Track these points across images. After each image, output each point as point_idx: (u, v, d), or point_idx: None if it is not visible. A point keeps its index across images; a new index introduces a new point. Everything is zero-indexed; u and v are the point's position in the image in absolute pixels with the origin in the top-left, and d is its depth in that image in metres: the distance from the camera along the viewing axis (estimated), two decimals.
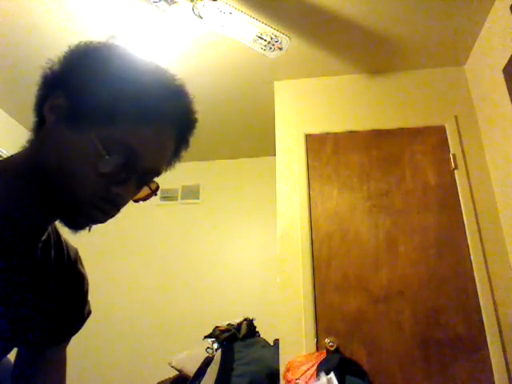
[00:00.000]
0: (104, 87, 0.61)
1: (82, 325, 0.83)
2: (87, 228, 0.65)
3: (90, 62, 0.64)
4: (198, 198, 3.74)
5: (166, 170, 0.70)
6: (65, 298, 0.78)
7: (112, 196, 0.63)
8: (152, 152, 0.64)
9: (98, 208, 0.63)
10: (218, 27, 1.99)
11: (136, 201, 0.69)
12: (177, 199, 3.72)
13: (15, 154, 0.67)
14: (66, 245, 0.79)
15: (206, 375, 2.19)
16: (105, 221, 0.65)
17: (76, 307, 0.82)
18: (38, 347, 0.79)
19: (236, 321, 2.58)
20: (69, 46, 0.68)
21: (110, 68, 0.63)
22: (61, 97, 0.63)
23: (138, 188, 0.67)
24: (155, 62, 0.69)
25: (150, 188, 0.69)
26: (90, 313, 0.85)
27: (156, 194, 0.69)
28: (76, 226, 0.65)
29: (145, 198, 0.69)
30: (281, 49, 2.07)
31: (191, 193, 3.74)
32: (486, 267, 2.20)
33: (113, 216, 0.66)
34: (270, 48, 2.06)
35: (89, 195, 0.61)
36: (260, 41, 2.02)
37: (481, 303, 2.14)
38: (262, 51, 2.09)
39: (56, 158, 0.62)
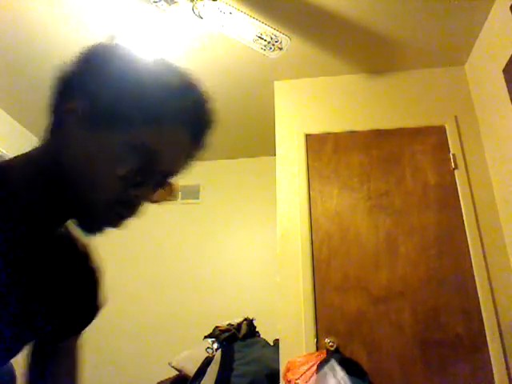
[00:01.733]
0: (119, 90, 0.61)
1: (94, 317, 0.84)
2: (100, 232, 0.65)
3: (106, 64, 0.64)
4: (197, 198, 3.74)
5: (183, 171, 0.70)
6: (76, 291, 0.78)
7: (129, 198, 0.63)
8: (167, 153, 0.64)
9: (114, 211, 0.63)
10: (217, 27, 1.99)
11: (154, 202, 0.68)
12: (177, 199, 3.72)
13: (32, 151, 0.67)
14: (77, 239, 0.79)
15: (205, 375, 2.19)
16: (119, 225, 0.65)
17: (88, 300, 0.82)
18: (51, 340, 0.79)
19: (236, 321, 2.58)
20: (84, 47, 0.66)
21: (125, 70, 0.64)
22: (77, 99, 0.63)
23: (155, 190, 0.67)
24: (167, 60, 0.69)
25: (169, 190, 0.69)
26: (103, 305, 0.84)
27: (175, 197, 0.70)
28: (90, 229, 0.65)
29: (163, 200, 0.70)
30: (281, 49, 2.07)
31: (191, 193, 3.74)
32: (486, 267, 2.20)
33: (127, 219, 0.66)
34: (270, 48, 2.06)
35: (105, 197, 0.61)
36: (260, 41, 2.02)
37: (481, 303, 2.14)
38: (262, 51, 2.09)
39: (74, 160, 0.62)
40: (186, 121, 0.65)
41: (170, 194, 0.69)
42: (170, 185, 0.68)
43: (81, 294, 0.79)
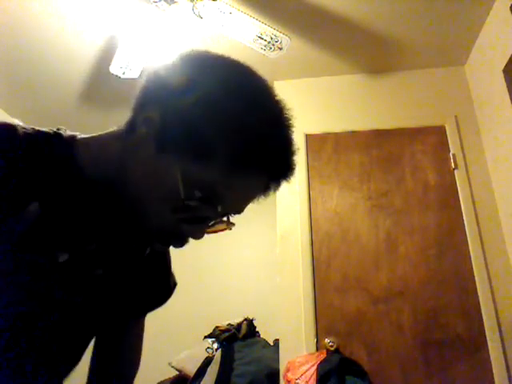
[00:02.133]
0: (204, 117, 0.53)
1: (170, 296, 0.84)
2: (144, 251, 0.63)
3: (198, 82, 0.55)
4: None
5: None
6: (154, 273, 0.78)
7: (180, 233, 0.58)
8: (238, 198, 0.57)
9: (161, 239, 0.59)
10: (217, 27, 1.99)
11: (207, 233, 0.61)
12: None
13: (111, 143, 0.61)
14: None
15: (205, 375, 2.19)
16: (163, 251, 0.63)
17: (164, 280, 0.82)
18: (127, 319, 0.82)
19: (236, 321, 2.58)
20: (183, 54, 0.59)
21: (217, 95, 0.54)
22: (156, 111, 0.55)
23: (210, 227, 0.60)
24: (269, 87, 0.61)
25: (226, 224, 0.61)
26: (175, 284, 0.84)
27: (231, 229, 0.62)
28: (132, 246, 0.63)
29: (217, 231, 0.62)
30: (281, 49, 2.07)
31: None
32: (486, 267, 2.20)
33: (174, 247, 0.61)
34: (270, 48, 2.06)
35: (155, 226, 0.57)
36: (260, 41, 2.02)
37: (481, 303, 2.14)
38: (262, 51, 2.09)
39: (137, 176, 0.56)
40: (271, 167, 0.56)
41: (226, 228, 0.62)
42: (228, 219, 0.61)
43: (158, 274, 0.79)
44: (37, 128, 0.58)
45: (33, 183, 0.53)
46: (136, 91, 0.60)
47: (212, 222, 0.60)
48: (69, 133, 0.62)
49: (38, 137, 0.57)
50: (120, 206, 0.59)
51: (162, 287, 0.82)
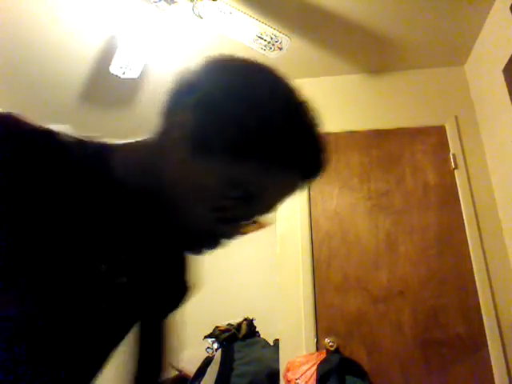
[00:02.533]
0: (238, 117, 0.54)
1: (185, 297, 0.85)
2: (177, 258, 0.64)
3: (231, 84, 0.57)
4: None
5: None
6: (170, 276, 0.78)
7: (216, 233, 0.60)
8: (272, 195, 0.60)
9: (197, 241, 0.61)
10: (217, 27, 1.99)
11: (241, 233, 0.63)
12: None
13: (136, 143, 0.63)
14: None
15: (205, 375, 2.19)
16: (198, 253, 0.63)
17: (179, 282, 0.82)
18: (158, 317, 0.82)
19: (236, 321, 2.58)
20: (213, 57, 0.61)
21: (250, 96, 0.56)
22: (187, 115, 0.56)
23: (245, 226, 0.62)
24: (296, 87, 0.65)
25: (260, 223, 0.64)
26: (192, 287, 0.85)
27: (264, 227, 0.64)
28: (165, 252, 0.64)
29: (251, 231, 0.66)
30: (281, 49, 2.07)
31: None
32: (486, 267, 2.20)
33: (209, 249, 0.62)
34: (270, 48, 2.06)
35: (192, 227, 0.59)
36: (260, 41, 2.02)
37: (481, 303, 2.14)
38: (262, 51, 2.09)
39: (174, 180, 0.57)
40: (303, 165, 0.58)
41: (260, 227, 0.64)
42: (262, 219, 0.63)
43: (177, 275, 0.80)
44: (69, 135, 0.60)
45: (76, 190, 0.55)
46: (164, 97, 0.60)
47: (247, 222, 0.61)
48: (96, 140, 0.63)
49: (72, 144, 0.58)
50: (158, 211, 0.60)
51: (177, 289, 0.82)
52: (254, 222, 0.62)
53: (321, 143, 0.60)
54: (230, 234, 0.60)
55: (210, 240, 0.60)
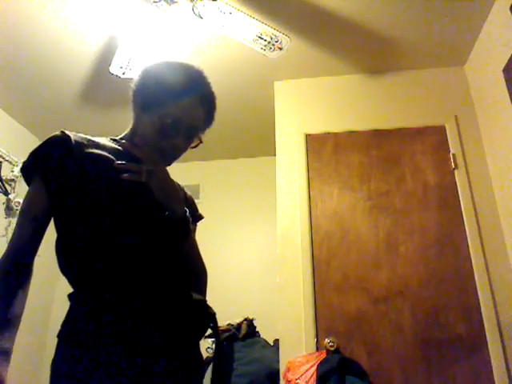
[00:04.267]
0: (157, 87, 1.04)
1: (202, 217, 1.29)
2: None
3: (151, 75, 1.08)
4: (197, 198, 3.73)
5: (203, 130, 1.10)
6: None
7: (166, 145, 1.03)
8: (188, 114, 1.03)
9: (168, 155, 1.05)
10: (218, 27, 1.99)
11: (192, 147, 1.10)
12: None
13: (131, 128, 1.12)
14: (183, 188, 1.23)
15: (205, 375, 2.18)
16: (170, 163, 1.07)
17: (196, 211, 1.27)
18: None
19: (236, 321, 2.58)
20: (142, 68, 1.11)
21: (159, 76, 1.07)
22: (138, 96, 1.08)
23: (187, 140, 1.06)
24: (182, 62, 1.10)
25: (198, 140, 1.10)
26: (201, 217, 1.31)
27: (202, 142, 1.10)
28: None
29: (195, 146, 1.10)
30: (281, 49, 2.07)
31: (191, 193, 3.70)
32: (486, 267, 2.20)
33: (171, 160, 1.07)
34: (270, 48, 2.06)
35: (153, 143, 1.03)
36: (260, 41, 2.02)
37: (481, 303, 2.14)
38: (262, 51, 2.09)
39: (142, 127, 1.07)
40: (197, 94, 1.05)
41: (200, 142, 1.10)
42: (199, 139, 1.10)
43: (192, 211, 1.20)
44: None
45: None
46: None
47: (187, 140, 1.08)
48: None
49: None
50: (157, 150, 1.05)
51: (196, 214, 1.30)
52: (192, 138, 1.08)
53: (210, 86, 1.08)
54: (176, 145, 1.05)
55: (169, 151, 1.05)
